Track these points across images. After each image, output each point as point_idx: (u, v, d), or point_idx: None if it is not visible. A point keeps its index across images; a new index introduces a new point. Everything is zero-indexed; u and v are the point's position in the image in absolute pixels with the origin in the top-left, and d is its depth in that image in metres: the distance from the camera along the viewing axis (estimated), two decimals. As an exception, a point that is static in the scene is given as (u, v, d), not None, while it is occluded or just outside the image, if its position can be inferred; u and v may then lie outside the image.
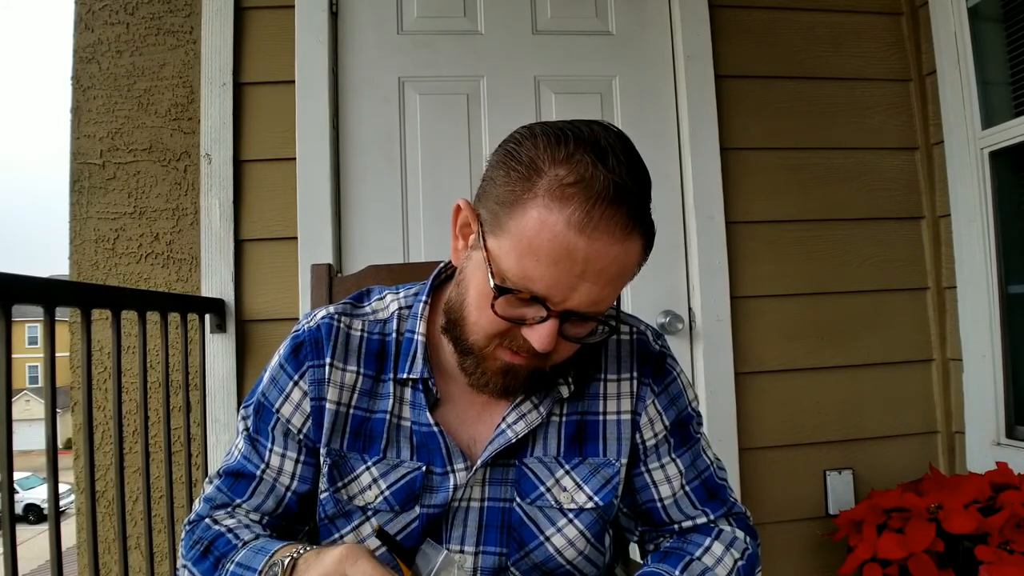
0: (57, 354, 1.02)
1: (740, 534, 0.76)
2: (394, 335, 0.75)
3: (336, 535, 0.73)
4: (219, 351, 1.59)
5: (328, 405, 0.72)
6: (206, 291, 1.61)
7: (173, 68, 1.68)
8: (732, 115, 1.79)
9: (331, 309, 0.76)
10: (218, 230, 1.63)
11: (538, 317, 0.61)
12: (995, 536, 1.28)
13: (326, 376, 0.72)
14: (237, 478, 0.75)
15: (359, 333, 0.75)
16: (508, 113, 1.75)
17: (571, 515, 0.72)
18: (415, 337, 0.74)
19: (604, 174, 0.57)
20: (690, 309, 1.77)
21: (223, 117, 1.64)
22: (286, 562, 0.59)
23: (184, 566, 0.71)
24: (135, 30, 1.68)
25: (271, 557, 0.62)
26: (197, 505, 0.77)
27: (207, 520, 0.74)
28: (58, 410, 1.04)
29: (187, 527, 0.75)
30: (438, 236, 1.72)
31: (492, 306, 0.61)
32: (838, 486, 1.75)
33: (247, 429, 0.76)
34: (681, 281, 1.78)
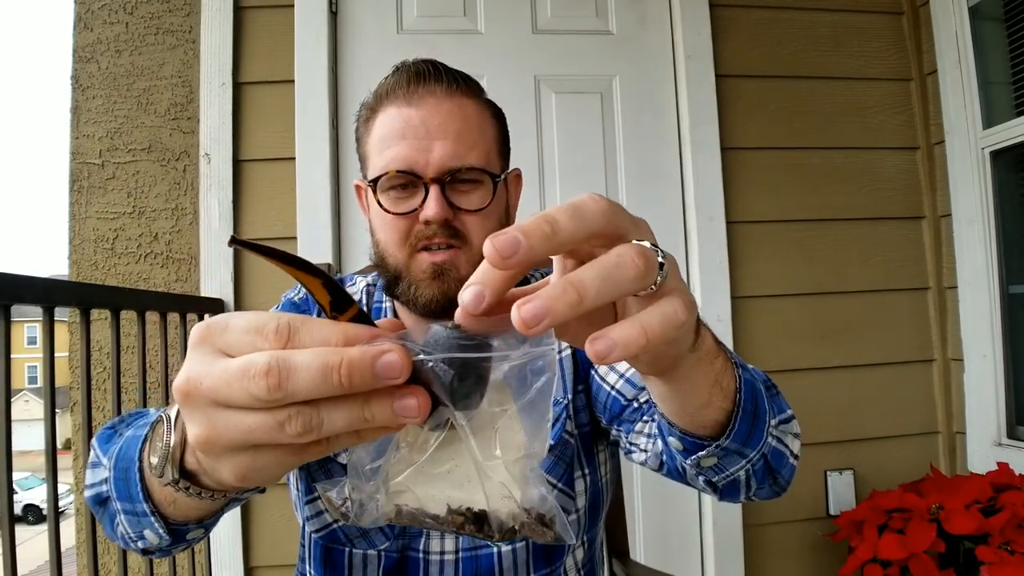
0: (56, 354, 1.01)
1: None
2: (365, 308, 0.78)
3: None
4: (218, 351, 1.59)
5: None
6: (205, 291, 1.60)
7: (172, 67, 1.67)
8: (732, 115, 1.79)
9: None
10: (217, 230, 1.62)
11: (421, 196, 0.68)
12: (996, 536, 1.28)
13: None
14: None
15: None
16: (508, 112, 1.73)
17: None
18: (383, 305, 0.78)
19: (409, 64, 0.71)
20: (690, 309, 1.76)
21: (222, 117, 1.64)
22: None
23: (92, 446, 0.58)
24: (134, 29, 1.67)
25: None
26: None
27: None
28: (57, 410, 1.04)
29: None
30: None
31: (380, 204, 0.68)
32: (839, 486, 1.75)
33: None
34: (681, 281, 1.77)
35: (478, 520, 0.34)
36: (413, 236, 0.69)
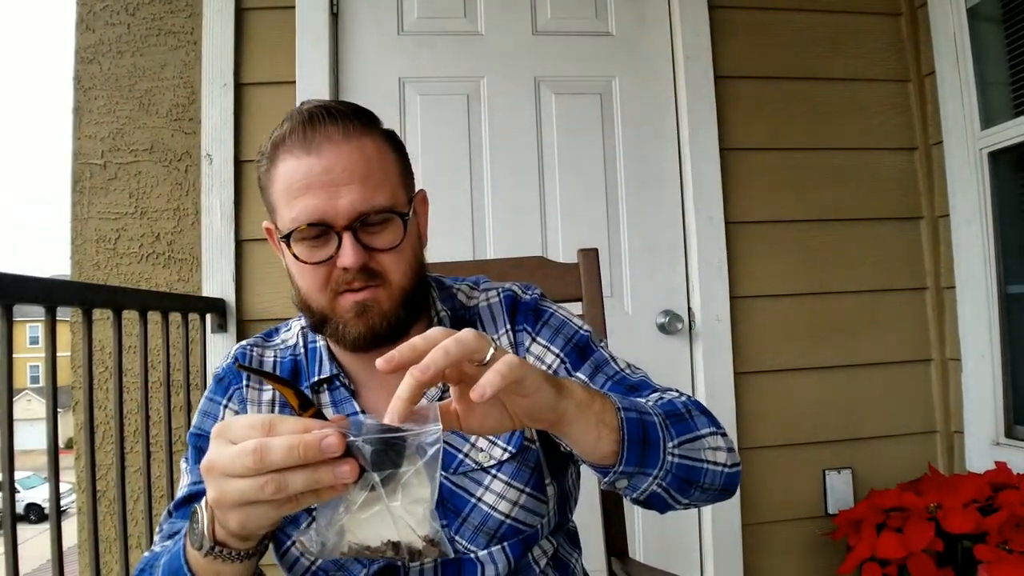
0: (58, 354, 1.02)
1: (677, 394, 0.73)
2: (302, 350, 0.81)
3: (288, 542, 0.74)
4: (220, 351, 1.59)
5: None
6: (207, 291, 1.61)
7: (174, 68, 1.68)
8: (732, 115, 1.79)
9: (243, 343, 0.83)
10: (219, 230, 1.63)
11: (335, 244, 0.68)
12: (994, 535, 1.29)
13: (247, 396, 0.78)
14: (192, 502, 0.71)
15: (272, 360, 0.81)
16: (508, 113, 1.75)
17: (493, 470, 0.74)
18: (317, 344, 0.80)
19: (301, 109, 0.70)
20: (689, 309, 1.77)
21: (224, 117, 1.65)
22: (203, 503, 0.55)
23: None
24: (136, 31, 1.68)
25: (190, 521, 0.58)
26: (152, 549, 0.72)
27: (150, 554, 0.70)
28: (59, 410, 1.04)
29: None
30: (436, 236, 1.72)
31: (296, 257, 0.69)
32: (837, 486, 1.75)
33: (188, 464, 0.77)
34: (681, 281, 1.78)
35: (395, 547, 0.49)
36: (333, 281, 0.70)
